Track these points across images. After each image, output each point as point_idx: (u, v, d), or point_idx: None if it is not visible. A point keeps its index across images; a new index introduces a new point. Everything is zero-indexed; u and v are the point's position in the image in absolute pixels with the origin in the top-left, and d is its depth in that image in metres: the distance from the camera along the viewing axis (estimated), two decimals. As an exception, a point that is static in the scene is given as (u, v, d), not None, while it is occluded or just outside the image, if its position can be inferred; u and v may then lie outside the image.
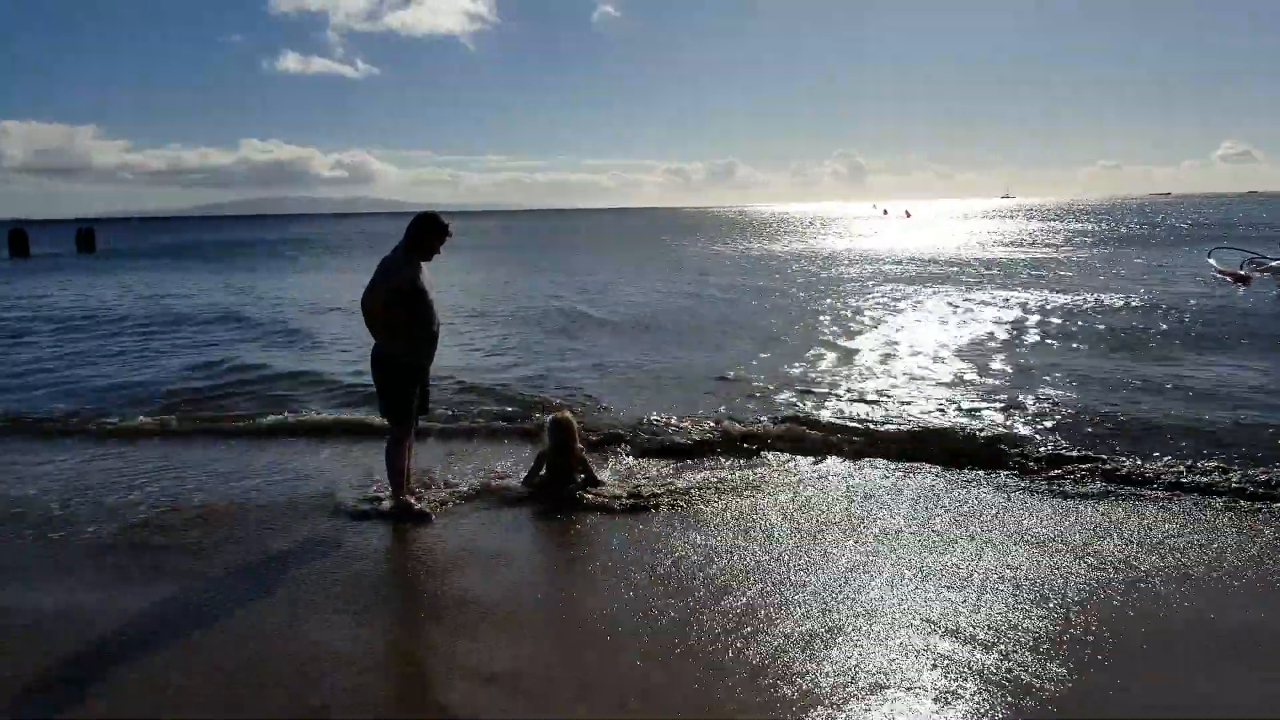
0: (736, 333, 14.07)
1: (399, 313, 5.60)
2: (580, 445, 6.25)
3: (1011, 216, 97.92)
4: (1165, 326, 13.63)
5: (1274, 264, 20.85)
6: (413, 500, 5.88)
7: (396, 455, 5.81)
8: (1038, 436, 7.33)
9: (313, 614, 4.37)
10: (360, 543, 5.40)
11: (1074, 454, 6.69)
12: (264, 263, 40.42)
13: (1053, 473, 6.34)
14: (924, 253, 35.88)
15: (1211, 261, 23.22)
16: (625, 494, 6.04)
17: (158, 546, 5.38)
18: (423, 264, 5.77)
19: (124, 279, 30.26)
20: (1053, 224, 70.89)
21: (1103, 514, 5.59)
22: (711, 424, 7.59)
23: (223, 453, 7.61)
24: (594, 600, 4.56)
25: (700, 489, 6.14)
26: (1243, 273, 20.64)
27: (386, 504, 5.89)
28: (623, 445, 7.23)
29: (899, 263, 30.49)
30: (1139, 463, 6.48)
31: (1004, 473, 6.46)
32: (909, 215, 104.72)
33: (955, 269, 27.02)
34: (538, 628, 4.22)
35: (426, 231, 5.70)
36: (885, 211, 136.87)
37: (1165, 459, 6.57)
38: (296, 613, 4.38)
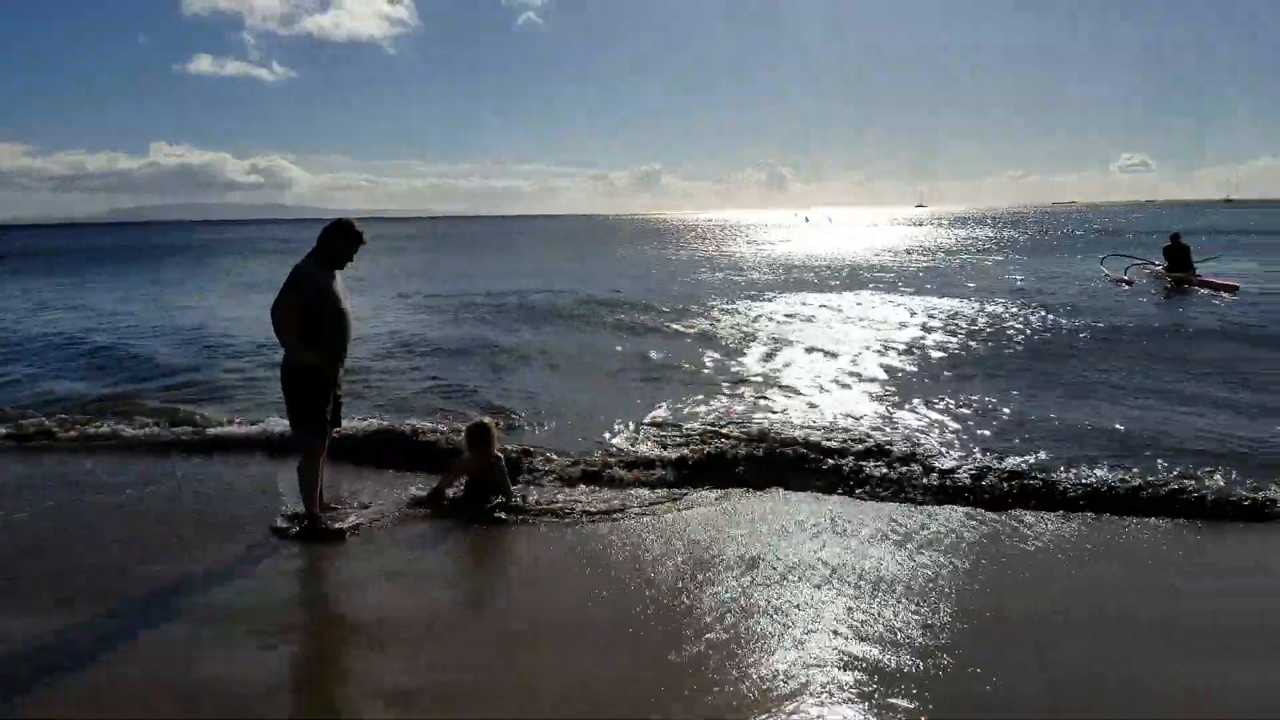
0: (656, 349, 13.80)
1: (309, 322, 5.43)
2: (498, 456, 6.14)
3: (921, 224, 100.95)
4: (1063, 330, 14.11)
5: (1156, 268, 22.25)
6: (326, 518, 5.70)
7: (309, 471, 5.61)
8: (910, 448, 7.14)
9: (214, 639, 4.19)
10: (270, 564, 5.19)
11: (954, 466, 6.59)
12: (161, 270, 38.16)
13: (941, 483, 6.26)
14: (853, 257, 36.95)
15: (1103, 268, 24.74)
16: (543, 508, 5.96)
17: (39, 570, 5.03)
18: (336, 272, 5.63)
19: None
20: (966, 231, 73.51)
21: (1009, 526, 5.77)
22: (628, 446, 7.42)
23: (116, 467, 7.20)
24: (509, 614, 4.56)
25: (616, 505, 6.02)
26: (1127, 277, 22.08)
27: (298, 523, 5.68)
28: (541, 460, 6.98)
29: (828, 268, 31.22)
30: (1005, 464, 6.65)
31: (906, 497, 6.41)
32: (830, 221, 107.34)
33: (887, 273, 27.76)
34: (450, 643, 4.16)
35: (339, 239, 5.56)
36: (807, 219, 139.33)
37: (1033, 460, 6.71)
38: (195, 639, 4.19)
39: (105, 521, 5.91)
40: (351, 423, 7.46)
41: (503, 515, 5.86)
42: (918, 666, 3.80)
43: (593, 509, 5.96)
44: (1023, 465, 6.55)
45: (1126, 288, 20.92)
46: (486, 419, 6.52)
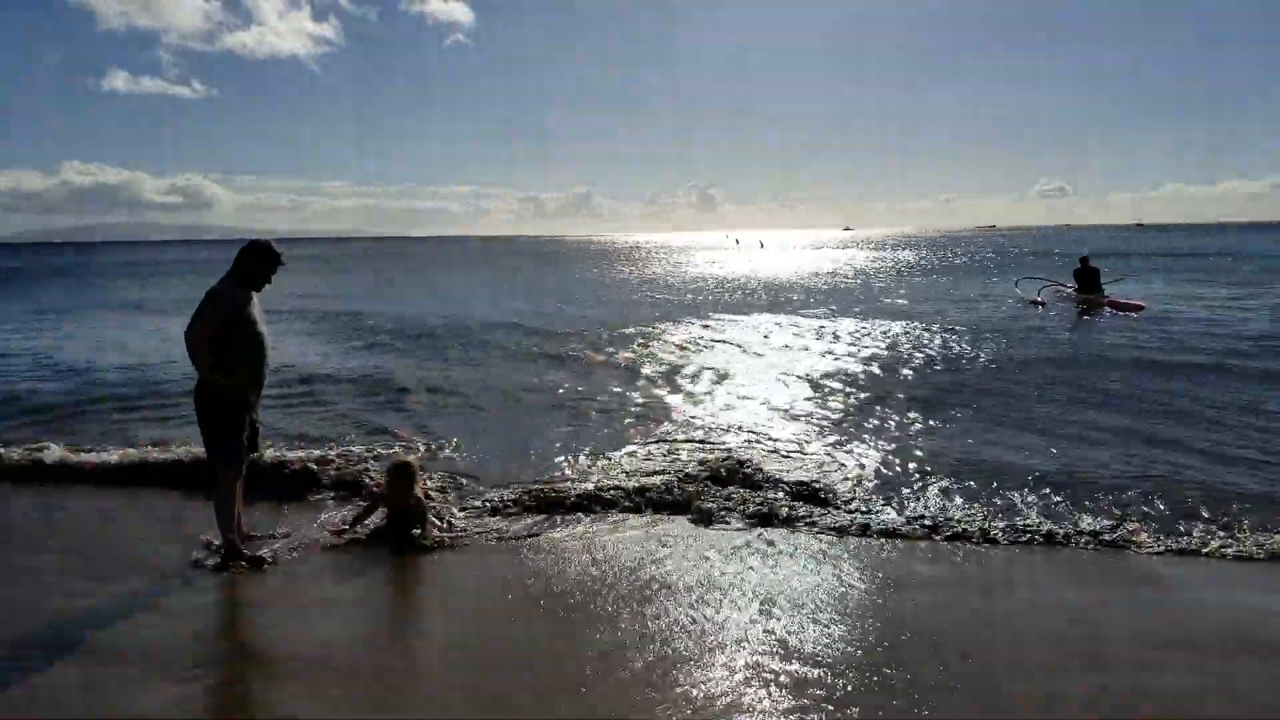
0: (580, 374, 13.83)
1: (225, 345, 5.32)
2: (420, 491, 6.07)
3: (849, 247, 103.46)
4: (976, 356, 14.48)
5: (1068, 291, 23.18)
6: (245, 547, 5.59)
7: (226, 498, 5.48)
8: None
9: (120, 676, 4.07)
10: (185, 595, 5.05)
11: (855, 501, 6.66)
12: (65, 294, 36.59)
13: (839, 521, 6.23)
14: (785, 279, 37.59)
15: (1017, 290, 25.69)
16: (461, 537, 5.96)
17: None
18: (253, 294, 5.53)
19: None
20: (890, 254, 75.49)
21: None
22: (549, 474, 7.40)
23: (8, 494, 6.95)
24: (425, 643, 4.55)
25: (534, 532, 6.06)
26: (1040, 298, 22.97)
27: (215, 552, 5.56)
28: (462, 491, 6.96)
29: (758, 291, 31.69)
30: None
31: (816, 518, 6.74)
32: (763, 245, 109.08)
33: (816, 296, 28.35)
34: (366, 674, 4.11)
35: (256, 260, 5.48)
36: (738, 241, 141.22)
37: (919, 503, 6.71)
38: (99, 678, 4.05)
39: (7, 555, 5.69)
40: (269, 451, 7.31)
41: (424, 543, 5.80)
42: (836, 683, 3.91)
43: (511, 536, 5.97)
44: (930, 504, 6.60)
45: (1040, 309, 21.77)
46: (409, 457, 6.48)
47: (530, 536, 5.98)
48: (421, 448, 8.35)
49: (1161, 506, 6.49)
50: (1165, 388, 10.95)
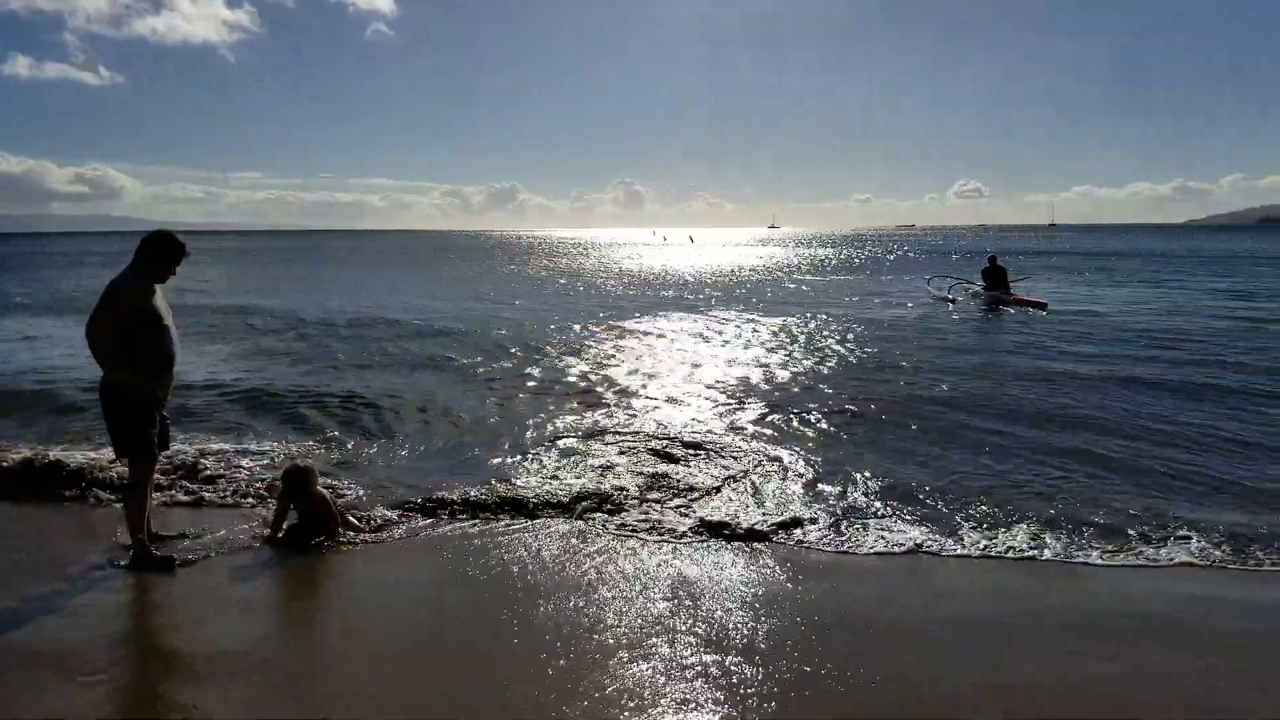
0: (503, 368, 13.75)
1: (128, 339, 5.16)
2: (323, 491, 5.96)
3: (774, 244, 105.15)
4: (893, 345, 15.14)
5: (976, 288, 24.05)
6: (155, 547, 5.45)
7: (135, 498, 5.35)
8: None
9: (28, 678, 3.99)
10: (94, 597, 4.93)
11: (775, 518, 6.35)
12: None
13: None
14: (718, 275, 38.06)
15: (929, 287, 26.58)
16: (373, 539, 5.87)
17: None
18: (157, 286, 5.37)
19: None
20: (814, 251, 77.22)
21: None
22: (458, 478, 7.19)
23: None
24: (333, 643, 4.54)
25: (451, 538, 5.94)
26: (950, 296, 23.82)
27: (125, 553, 5.43)
28: (369, 492, 6.84)
29: (688, 286, 31.98)
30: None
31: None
32: (692, 240, 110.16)
33: (741, 291, 28.79)
34: (276, 673, 4.09)
35: (158, 251, 5.29)
36: (665, 239, 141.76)
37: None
38: (5, 679, 3.98)
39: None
40: (187, 448, 7.18)
41: (340, 542, 5.76)
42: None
43: (423, 538, 5.93)
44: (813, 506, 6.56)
45: (950, 305, 22.60)
46: (302, 462, 6.27)
47: (446, 540, 5.90)
48: (324, 450, 8.14)
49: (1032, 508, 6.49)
50: (1060, 390, 11.02)
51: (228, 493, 6.82)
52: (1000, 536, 5.90)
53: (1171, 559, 5.54)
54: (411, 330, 17.84)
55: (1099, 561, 5.53)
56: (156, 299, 5.35)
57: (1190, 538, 5.82)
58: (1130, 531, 5.99)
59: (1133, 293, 26.42)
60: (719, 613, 4.68)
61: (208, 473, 7.20)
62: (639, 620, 4.60)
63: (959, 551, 5.68)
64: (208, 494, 6.80)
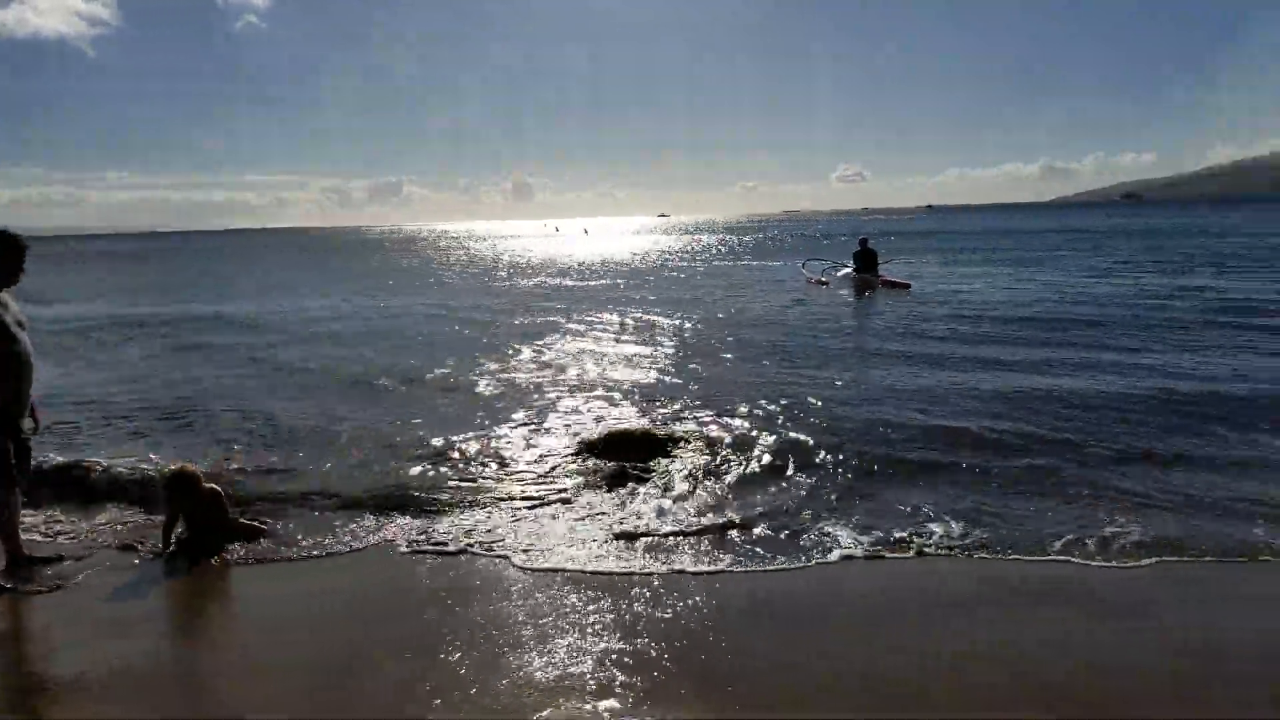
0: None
1: None
2: (213, 488, 5.81)
3: (656, 232, 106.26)
4: (776, 334, 15.55)
5: (848, 270, 25.08)
6: (21, 567, 5.31)
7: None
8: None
9: None
10: None
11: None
12: None
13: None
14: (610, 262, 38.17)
15: (804, 271, 27.56)
16: (263, 553, 5.71)
17: None
18: (6, 300, 5.07)
19: None
20: (704, 237, 78.53)
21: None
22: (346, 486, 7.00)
23: None
24: (219, 660, 4.46)
25: (339, 549, 5.77)
26: (824, 279, 24.78)
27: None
28: (261, 504, 6.61)
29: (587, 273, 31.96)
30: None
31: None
32: (587, 233, 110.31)
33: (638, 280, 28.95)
34: (155, 693, 4.00)
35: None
36: (558, 229, 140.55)
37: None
38: None
39: None
40: (57, 458, 6.99)
41: (235, 551, 5.66)
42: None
43: (316, 551, 5.75)
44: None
45: (824, 288, 23.56)
46: (186, 465, 6.00)
47: (336, 554, 5.73)
48: (209, 456, 7.88)
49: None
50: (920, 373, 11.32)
51: (105, 510, 6.62)
52: (896, 532, 5.77)
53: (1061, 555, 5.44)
54: (292, 335, 17.24)
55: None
56: (5, 311, 5.04)
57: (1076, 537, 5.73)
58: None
59: (999, 271, 28.09)
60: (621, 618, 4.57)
61: (85, 489, 7.00)
62: (517, 635, 4.44)
63: (855, 550, 5.50)
64: (83, 514, 6.55)
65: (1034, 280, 24.18)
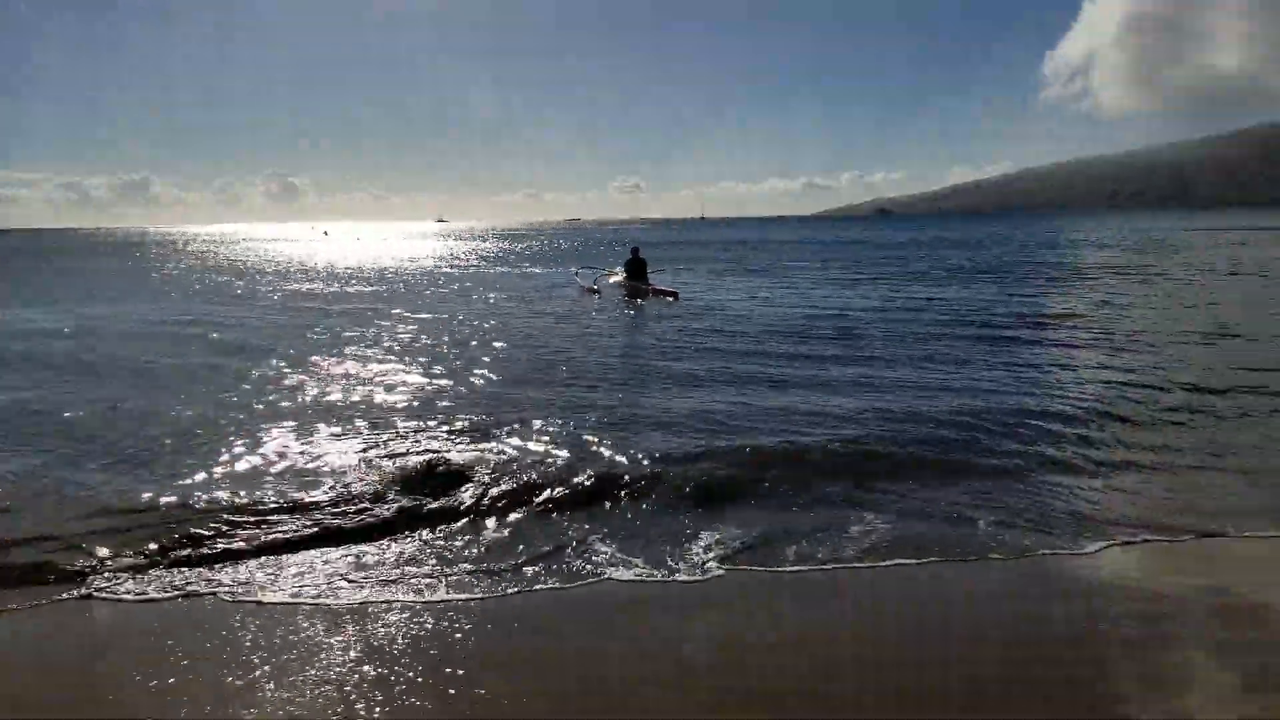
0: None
1: None
2: None
3: (432, 238, 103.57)
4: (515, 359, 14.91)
5: (619, 278, 25.02)
6: None
7: None
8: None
9: None
10: None
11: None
12: None
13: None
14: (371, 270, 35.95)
15: (576, 279, 27.27)
16: None
17: None
18: None
19: None
20: (478, 244, 77.07)
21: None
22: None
23: None
24: None
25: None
26: (595, 287, 24.59)
27: None
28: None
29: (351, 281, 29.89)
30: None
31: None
32: (359, 240, 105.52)
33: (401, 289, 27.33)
34: None
35: None
36: (326, 233, 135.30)
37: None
38: None
39: None
40: None
41: None
42: None
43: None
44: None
45: (596, 297, 23.28)
46: None
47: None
48: None
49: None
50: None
51: None
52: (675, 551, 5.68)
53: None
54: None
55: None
56: None
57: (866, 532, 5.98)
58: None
59: (762, 280, 29.06)
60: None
61: None
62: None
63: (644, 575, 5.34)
64: None
65: (795, 289, 25.22)
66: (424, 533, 6.03)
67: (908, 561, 5.49)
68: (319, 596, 5.02)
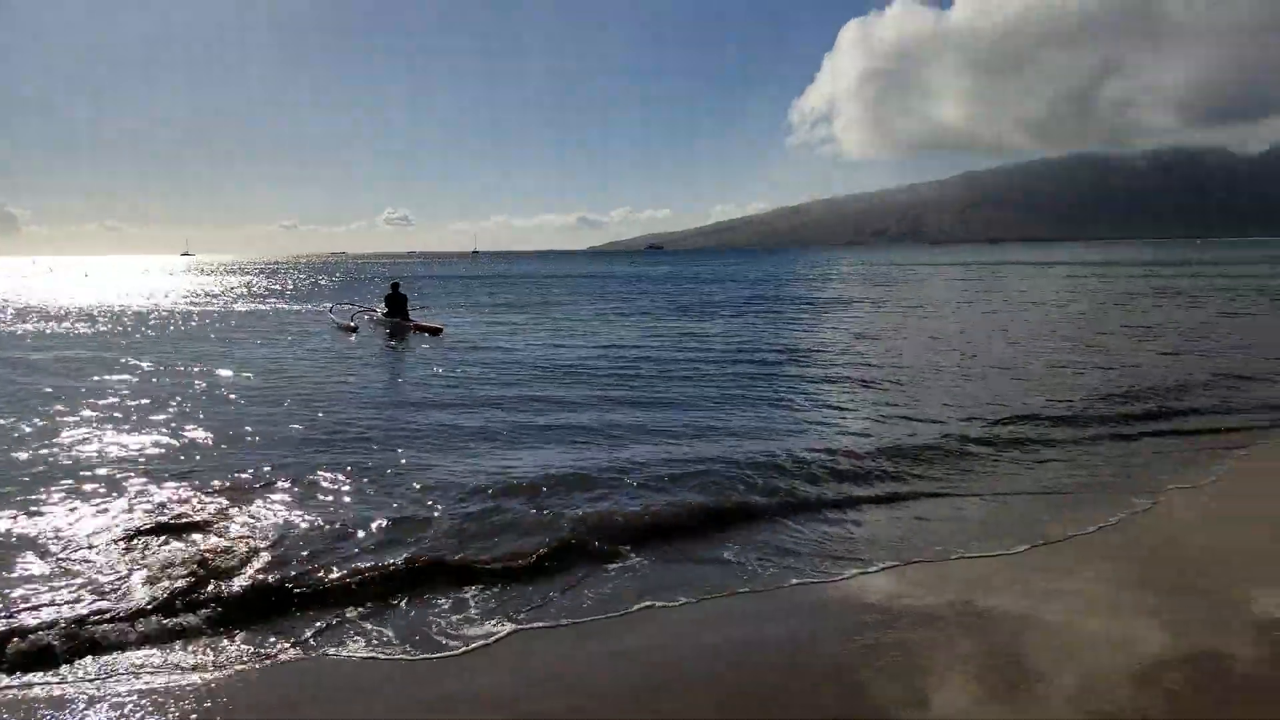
0: None
1: None
2: None
3: (191, 272, 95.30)
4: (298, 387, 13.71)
5: (378, 315, 23.81)
6: None
7: None
8: None
9: None
10: None
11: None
12: None
13: None
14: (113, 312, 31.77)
15: (331, 316, 25.69)
16: None
17: None
18: None
19: None
20: (231, 279, 71.49)
21: None
22: None
23: None
24: None
25: None
26: (353, 324, 23.21)
27: None
28: None
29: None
30: None
31: None
32: (86, 276, 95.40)
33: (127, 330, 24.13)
34: None
35: None
36: (51, 269, 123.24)
37: None
38: None
39: None
40: None
41: None
42: None
43: None
44: None
45: (353, 336, 21.77)
46: None
47: None
48: None
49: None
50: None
51: None
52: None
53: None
54: None
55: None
56: None
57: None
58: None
59: (529, 316, 28.61)
60: None
61: None
62: None
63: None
64: None
65: (567, 326, 24.90)
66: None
67: (659, 604, 5.39)
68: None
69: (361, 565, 5.84)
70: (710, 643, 4.93)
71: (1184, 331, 20.38)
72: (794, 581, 5.73)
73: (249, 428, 10.34)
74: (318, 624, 5.11)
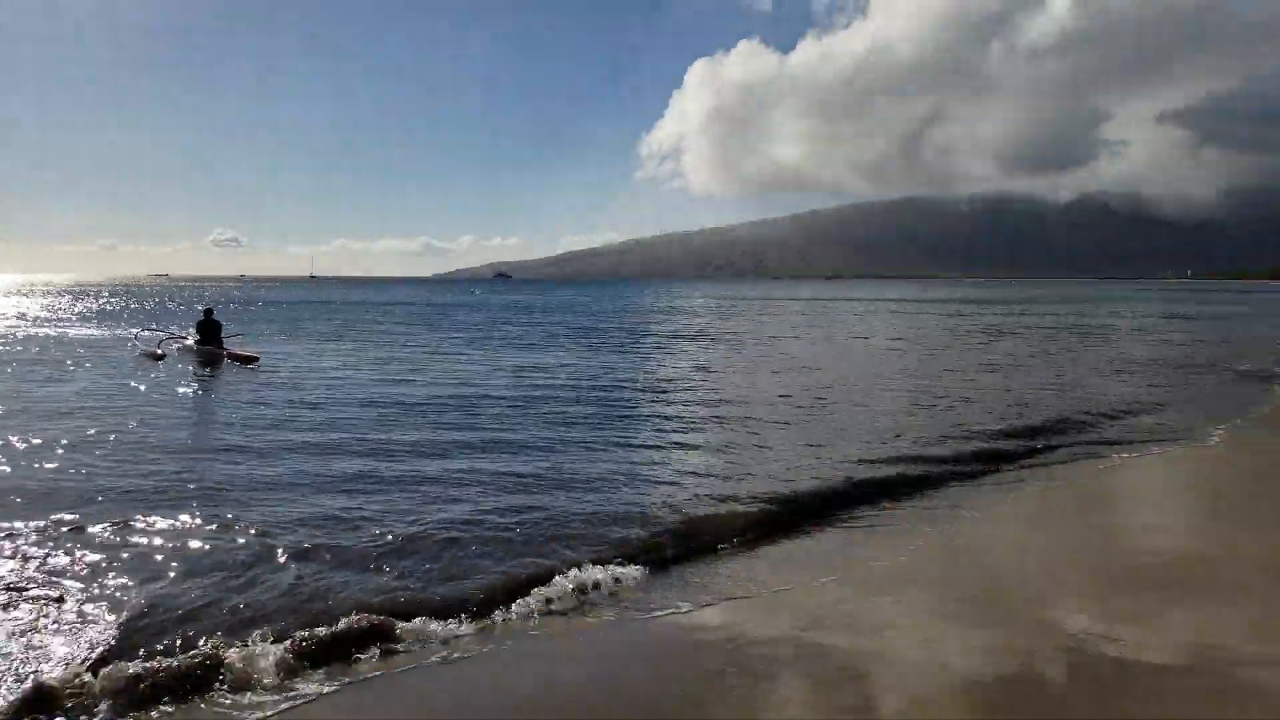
0: None
1: None
2: None
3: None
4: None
5: (188, 342, 21.92)
6: None
7: None
8: None
9: None
10: None
11: None
12: None
13: None
14: None
15: (137, 343, 23.55)
16: None
17: None
18: None
19: None
20: (29, 300, 65.28)
21: None
22: None
23: None
24: None
25: None
26: (160, 351, 21.30)
27: None
28: None
29: None
30: None
31: None
32: None
33: None
34: None
35: None
36: None
37: None
38: None
39: None
40: None
41: None
42: None
43: None
44: None
45: (159, 363, 19.96)
46: None
47: None
48: None
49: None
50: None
51: None
52: None
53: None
54: None
55: None
56: None
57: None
58: None
59: (359, 345, 27.05)
60: None
61: None
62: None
63: None
64: None
65: (402, 357, 23.35)
66: None
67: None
68: None
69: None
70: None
71: (1003, 367, 21.30)
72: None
73: (38, 466, 9.25)
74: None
